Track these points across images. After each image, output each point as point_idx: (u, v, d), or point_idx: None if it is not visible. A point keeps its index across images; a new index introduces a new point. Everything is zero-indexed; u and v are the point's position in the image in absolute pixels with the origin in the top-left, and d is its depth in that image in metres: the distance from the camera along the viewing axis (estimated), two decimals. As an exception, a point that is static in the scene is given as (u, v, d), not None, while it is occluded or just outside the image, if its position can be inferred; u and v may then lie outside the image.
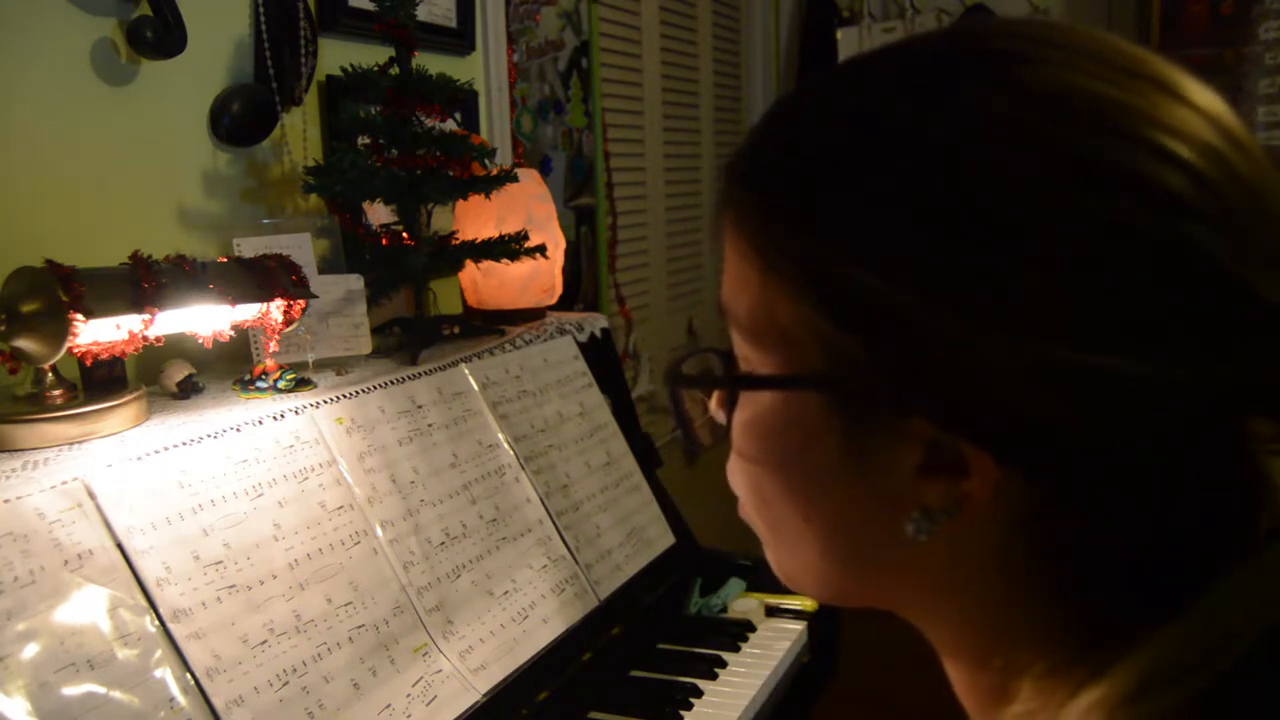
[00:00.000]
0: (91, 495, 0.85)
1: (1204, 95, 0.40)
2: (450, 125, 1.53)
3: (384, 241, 1.33)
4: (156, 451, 0.92)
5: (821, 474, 0.44)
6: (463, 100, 1.39)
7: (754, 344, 0.45)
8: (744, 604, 1.46)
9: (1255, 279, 0.38)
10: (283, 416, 1.04)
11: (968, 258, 0.38)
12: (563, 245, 1.66)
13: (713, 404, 0.49)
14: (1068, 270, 0.37)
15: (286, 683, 0.90)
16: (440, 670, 1.03)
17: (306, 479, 1.02)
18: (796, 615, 1.44)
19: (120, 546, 0.84)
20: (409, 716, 0.97)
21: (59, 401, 0.95)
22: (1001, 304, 0.38)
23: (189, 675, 0.83)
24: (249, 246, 1.18)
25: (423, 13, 1.43)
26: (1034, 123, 0.38)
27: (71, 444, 0.93)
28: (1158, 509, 0.40)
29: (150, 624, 0.83)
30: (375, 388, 1.16)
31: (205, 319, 1.05)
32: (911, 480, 0.41)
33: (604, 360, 1.57)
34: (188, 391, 1.10)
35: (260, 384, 1.11)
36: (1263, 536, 0.39)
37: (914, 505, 0.42)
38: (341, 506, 1.03)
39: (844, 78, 0.45)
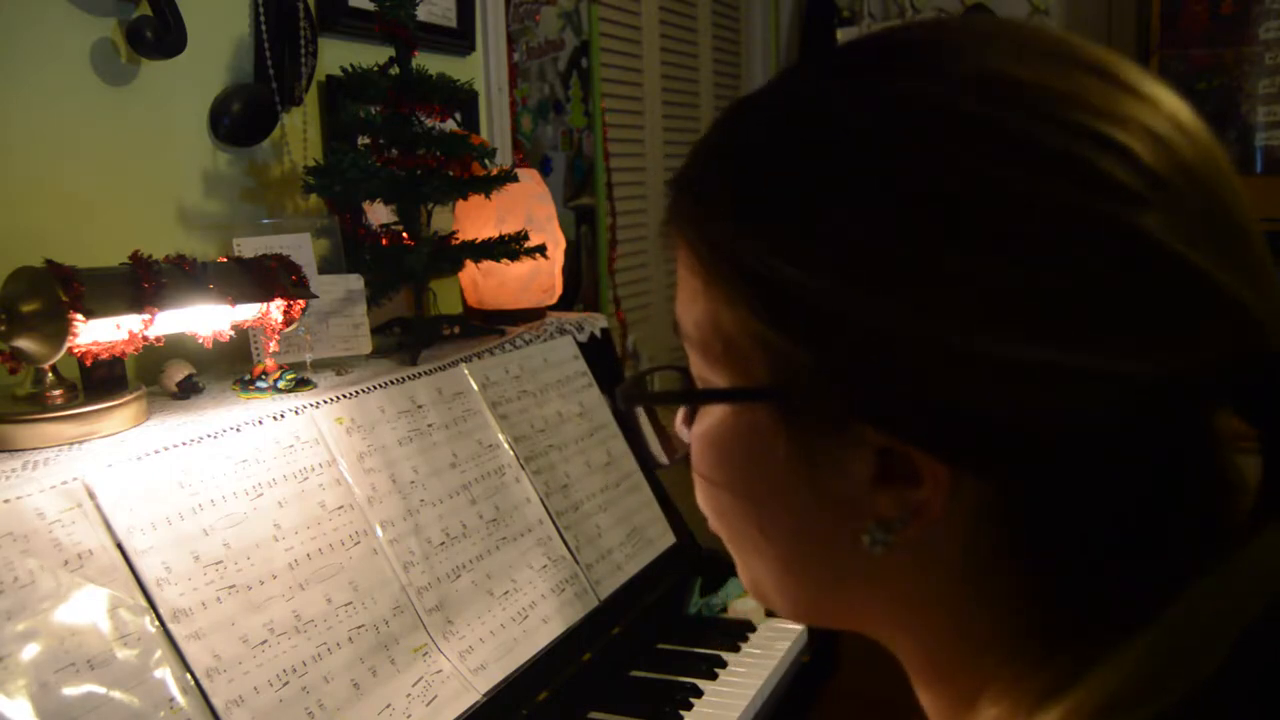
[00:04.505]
0: (91, 495, 0.85)
1: (1157, 89, 0.39)
2: (450, 125, 1.53)
3: (384, 241, 1.33)
4: (156, 451, 0.92)
5: (776, 488, 0.43)
6: (463, 100, 1.39)
7: (704, 358, 0.44)
8: (744, 604, 1.46)
9: (1209, 267, 0.36)
10: (283, 416, 1.04)
11: (901, 250, 0.36)
12: (563, 245, 1.66)
13: (677, 421, 0.48)
14: (1003, 259, 0.35)
15: (286, 683, 0.90)
16: (440, 670, 1.03)
17: (306, 479, 1.02)
18: (797, 615, 1.44)
19: (120, 546, 0.84)
20: (409, 716, 0.97)
21: (59, 401, 0.95)
22: (937, 296, 0.36)
23: (189, 675, 0.83)
24: (249, 246, 1.18)
25: (423, 13, 1.43)
26: (968, 109, 0.37)
27: (71, 444, 0.93)
28: (1119, 509, 0.38)
29: (150, 624, 0.83)
30: (375, 388, 1.16)
31: (205, 319, 1.05)
32: (867, 490, 0.40)
33: (604, 360, 1.57)
34: (188, 391, 1.10)
35: (260, 384, 1.11)
36: (1233, 537, 0.36)
37: (869, 516, 0.40)
38: (341, 506, 1.03)
39: (782, 80, 0.44)
